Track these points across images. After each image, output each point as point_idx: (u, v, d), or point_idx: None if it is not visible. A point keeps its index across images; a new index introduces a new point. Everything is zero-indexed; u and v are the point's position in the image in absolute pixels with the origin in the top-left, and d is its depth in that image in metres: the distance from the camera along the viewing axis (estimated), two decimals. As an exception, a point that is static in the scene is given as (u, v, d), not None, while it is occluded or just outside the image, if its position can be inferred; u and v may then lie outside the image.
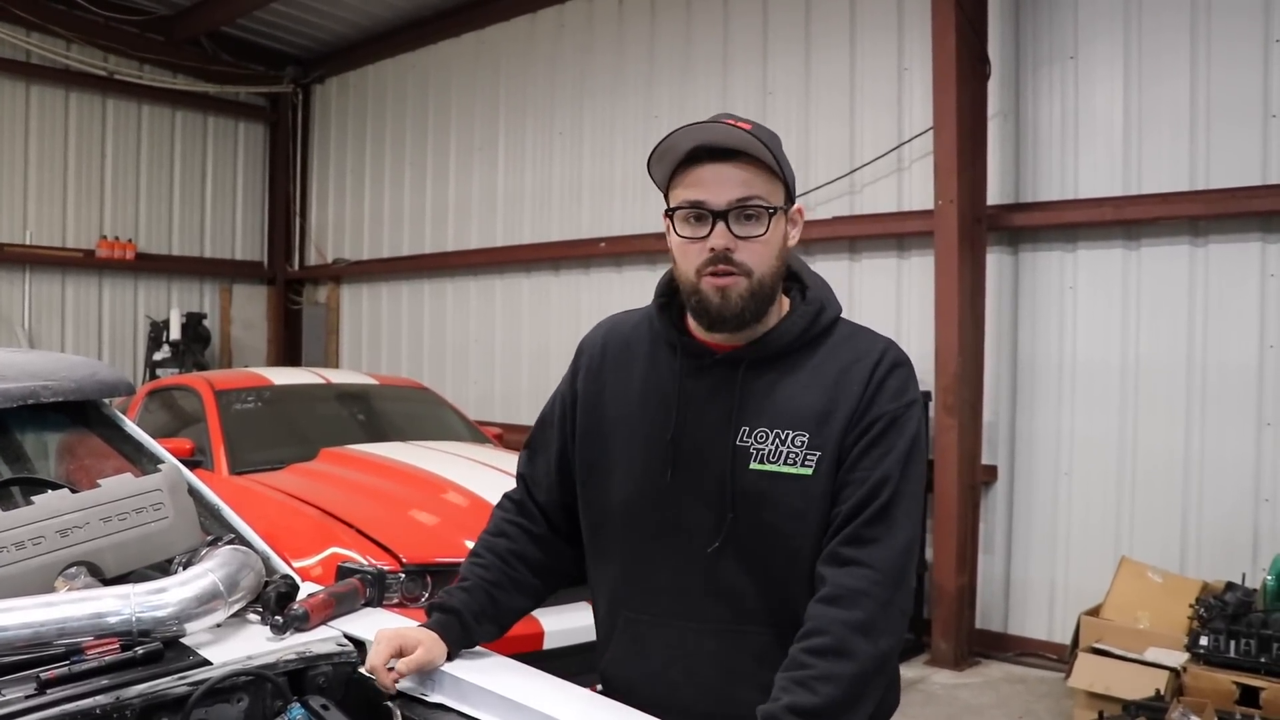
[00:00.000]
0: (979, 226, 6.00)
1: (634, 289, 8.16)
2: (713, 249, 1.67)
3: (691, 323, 1.80)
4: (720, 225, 1.66)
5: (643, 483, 1.79)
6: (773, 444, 1.70)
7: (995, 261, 6.16)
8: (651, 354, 1.85)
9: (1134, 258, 5.73)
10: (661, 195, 1.79)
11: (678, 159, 1.71)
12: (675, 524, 1.76)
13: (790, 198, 1.74)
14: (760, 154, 1.67)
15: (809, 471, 1.67)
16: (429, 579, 4.11)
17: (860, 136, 6.84)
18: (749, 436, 1.71)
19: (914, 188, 6.52)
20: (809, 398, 1.71)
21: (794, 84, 7.20)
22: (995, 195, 6.12)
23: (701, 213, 1.68)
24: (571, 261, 8.72)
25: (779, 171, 1.69)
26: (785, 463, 1.69)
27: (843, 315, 1.83)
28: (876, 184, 6.74)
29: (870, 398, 1.69)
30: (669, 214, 1.74)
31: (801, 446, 1.68)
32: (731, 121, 1.67)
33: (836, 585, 1.59)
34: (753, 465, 1.70)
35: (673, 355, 1.81)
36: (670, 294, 1.84)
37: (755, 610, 1.72)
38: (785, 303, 1.80)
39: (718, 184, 1.67)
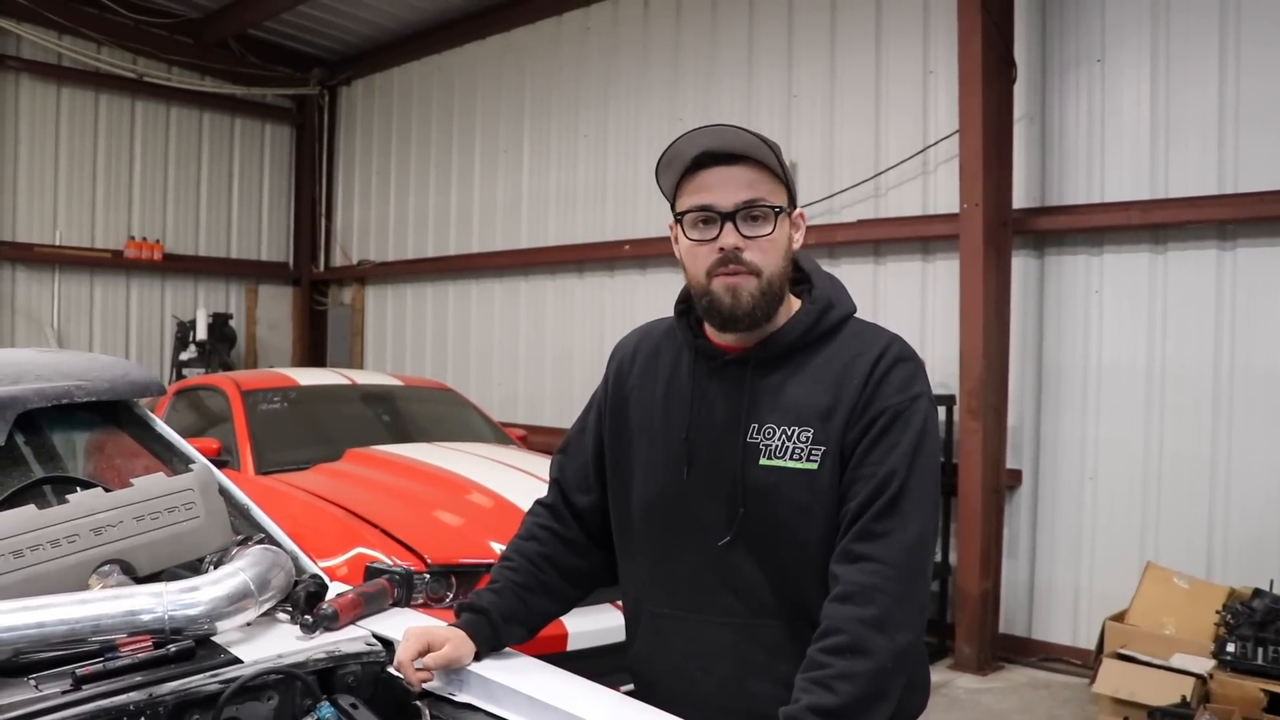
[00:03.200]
0: (1004, 230, 5.98)
1: (659, 291, 8.17)
2: (722, 249, 1.72)
3: (708, 326, 1.85)
4: (729, 226, 1.72)
5: (662, 481, 1.85)
6: (780, 440, 1.74)
7: (1020, 265, 6.14)
8: (674, 359, 1.91)
9: (1160, 262, 5.70)
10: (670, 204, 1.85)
11: (684, 166, 1.76)
12: (692, 520, 1.81)
13: (792, 201, 1.79)
14: (763, 156, 1.73)
15: (814, 466, 1.71)
16: (454, 580, 4.13)
17: (885, 139, 6.82)
18: (758, 433, 1.76)
19: (939, 191, 6.50)
20: (814, 394, 1.75)
21: (819, 87, 7.19)
22: (1021, 199, 6.10)
23: (710, 215, 1.73)
24: (596, 263, 8.74)
25: (781, 175, 1.75)
26: (792, 458, 1.73)
27: (858, 315, 1.87)
28: (901, 187, 6.73)
29: (872, 392, 1.72)
30: (677, 221, 1.80)
31: (807, 442, 1.72)
32: (729, 128, 1.73)
33: (849, 583, 1.61)
34: (762, 461, 1.74)
35: (691, 358, 1.87)
36: (689, 301, 1.89)
37: (767, 603, 1.76)
38: (794, 302, 1.84)
39: (724, 187, 1.72)
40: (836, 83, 7.10)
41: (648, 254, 8.20)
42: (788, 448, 1.73)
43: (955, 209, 6.01)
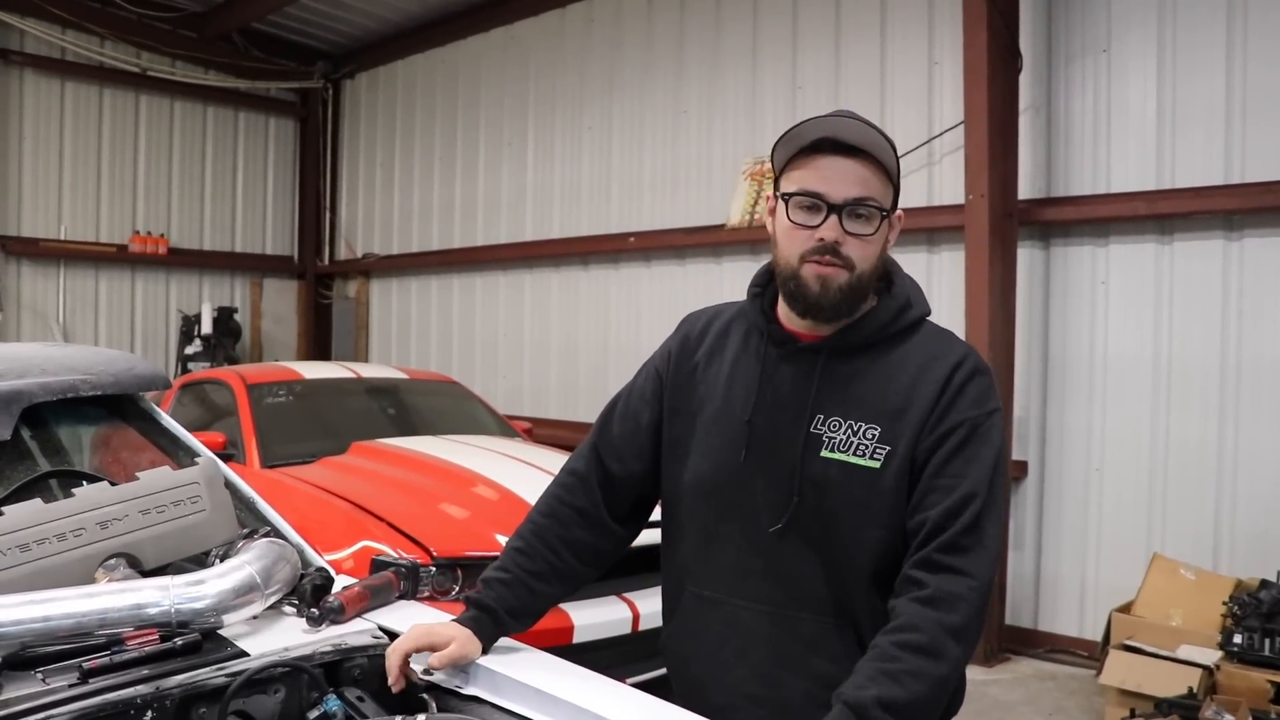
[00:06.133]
0: (1010, 221, 5.97)
1: (663, 284, 8.17)
2: (822, 239, 1.71)
3: (781, 311, 1.85)
4: (834, 218, 1.70)
5: (718, 462, 1.83)
6: (845, 434, 1.72)
7: (1026, 256, 6.13)
8: (744, 340, 1.89)
9: (1167, 252, 5.68)
10: (770, 180, 1.88)
11: (801, 145, 1.74)
12: (744, 505, 1.80)
13: (895, 200, 1.78)
14: (882, 155, 1.72)
15: (877, 465, 1.70)
16: (459, 572, 4.13)
17: (891, 130, 6.66)
18: (822, 424, 1.74)
19: (944, 182, 6.49)
20: (884, 392, 1.73)
21: (824, 78, 7.17)
22: (1026, 189, 6.08)
23: (817, 203, 1.71)
24: (600, 256, 8.73)
25: (893, 177, 1.74)
26: (855, 453, 1.71)
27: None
28: (907, 178, 6.69)
29: (949, 402, 1.71)
30: (782, 197, 1.77)
31: (872, 439, 1.71)
32: (851, 122, 1.71)
33: (935, 588, 1.60)
34: (823, 453, 1.73)
35: (760, 341, 1.85)
36: (764, 284, 1.90)
37: (810, 597, 1.75)
38: (872, 300, 1.82)
39: (838, 178, 1.71)
40: (841, 74, 7.08)
41: (652, 246, 8.19)
42: (852, 443, 1.72)
43: (961, 200, 5.99)
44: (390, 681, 1.79)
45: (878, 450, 1.70)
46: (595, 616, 4.23)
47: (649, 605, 4.50)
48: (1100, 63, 5.94)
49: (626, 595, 4.45)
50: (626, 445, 1.97)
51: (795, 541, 1.75)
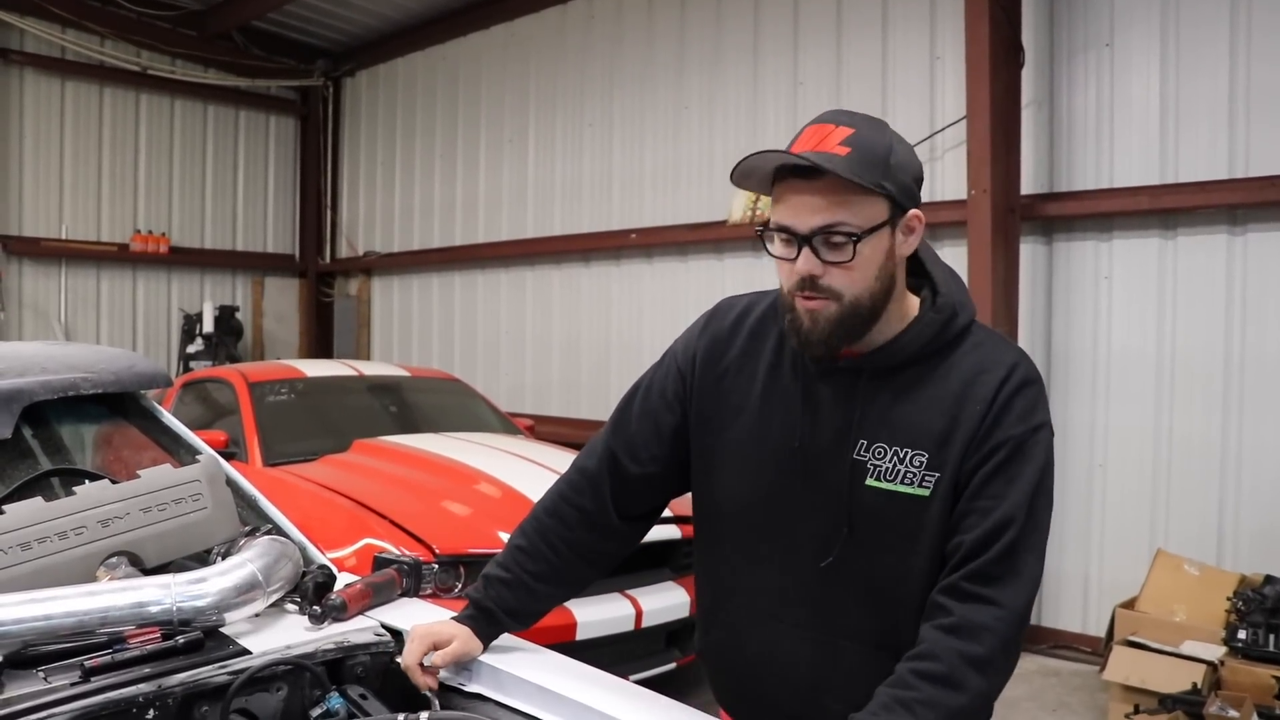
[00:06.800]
0: (1012, 216, 5.95)
1: (665, 281, 8.16)
2: (799, 275, 1.60)
3: None
4: (806, 250, 1.57)
5: (757, 483, 1.75)
6: (891, 461, 1.63)
7: (1029, 252, 6.11)
8: (778, 348, 1.77)
9: (1170, 247, 5.67)
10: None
11: (767, 176, 1.62)
12: (787, 529, 1.72)
13: (898, 205, 1.60)
14: (853, 168, 1.53)
15: (926, 493, 1.60)
16: (462, 570, 4.14)
17: (892, 126, 6.75)
18: (867, 451, 1.65)
19: (946, 177, 6.47)
20: (930, 415, 1.62)
21: (825, 74, 7.16)
22: (1029, 185, 6.06)
23: (789, 236, 1.59)
24: (602, 253, 8.72)
25: (880, 185, 1.56)
26: (903, 482, 1.62)
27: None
28: (908, 174, 6.69)
29: (994, 419, 1.59)
30: (765, 233, 1.65)
31: (920, 466, 1.61)
32: (826, 129, 1.58)
33: (960, 617, 1.52)
34: (869, 481, 1.64)
35: (797, 355, 1.72)
36: None
37: (854, 626, 1.68)
38: (913, 305, 1.70)
39: (803, 206, 1.57)
40: (843, 69, 7.07)
41: (654, 243, 8.18)
42: (899, 470, 1.62)
43: (963, 195, 5.97)
44: (425, 687, 1.77)
45: (926, 478, 1.60)
46: (598, 613, 4.23)
47: (652, 602, 4.51)
48: (1103, 57, 5.92)
49: (629, 592, 4.45)
50: (644, 446, 1.88)
51: (841, 571, 1.67)
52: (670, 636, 4.68)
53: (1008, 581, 1.54)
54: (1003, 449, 1.58)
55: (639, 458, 1.88)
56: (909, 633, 1.58)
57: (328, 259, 11.90)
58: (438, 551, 4.12)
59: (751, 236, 7.32)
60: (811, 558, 1.69)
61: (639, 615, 4.40)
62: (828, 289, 1.59)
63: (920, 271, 1.73)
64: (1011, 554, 1.54)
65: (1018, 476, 1.57)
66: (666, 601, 4.57)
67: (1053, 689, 5.40)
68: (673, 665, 4.61)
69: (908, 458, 1.62)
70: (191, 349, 10.41)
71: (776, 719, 1.75)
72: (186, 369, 9.94)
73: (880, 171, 1.56)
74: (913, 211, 1.63)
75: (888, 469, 1.63)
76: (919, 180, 1.66)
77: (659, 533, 4.48)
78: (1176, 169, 5.61)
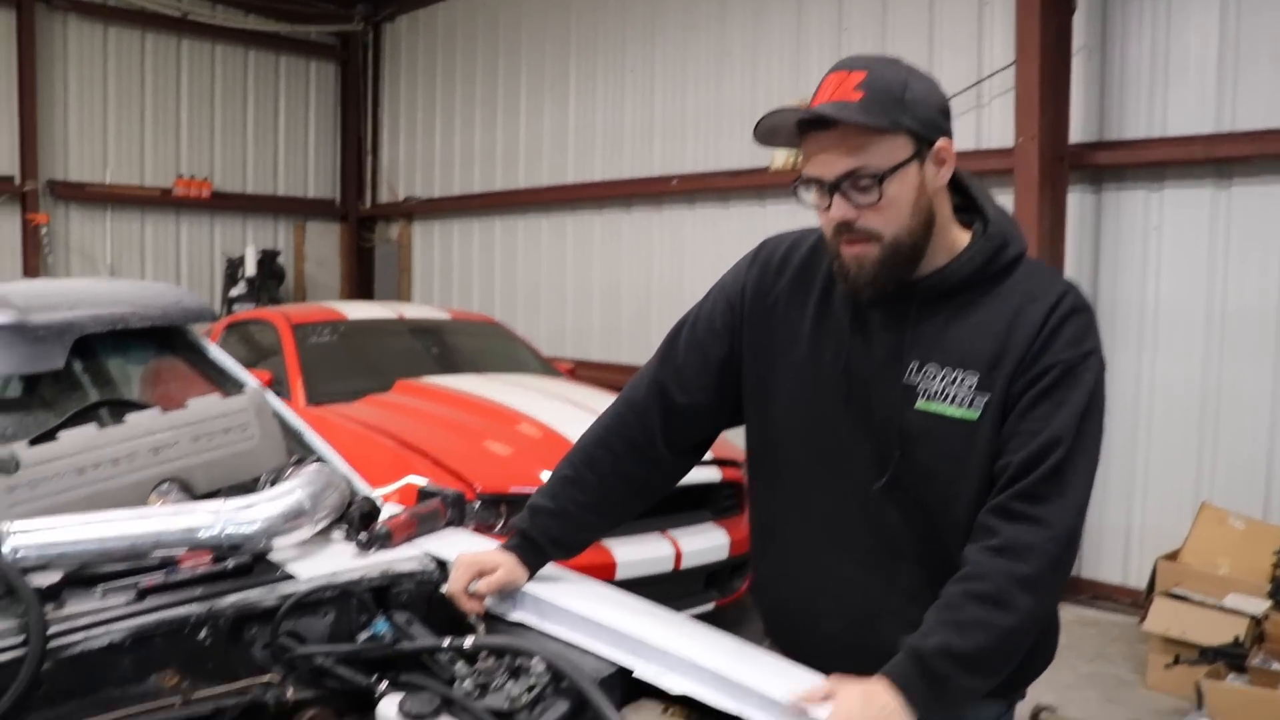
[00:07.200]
0: (1060, 165, 5.84)
1: (707, 227, 8.12)
2: (836, 222, 1.63)
3: None
4: (836, 197, 1.61)
5: (808, 411, 1.76)
6: (941, 383, 1.64)
7: (1076, 201, 6.00)
8: (827, 279, 1.78)
9: (1224, 198, 5.55)
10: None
11: (793, 131, 1.64)
12: (838, 455, 1.74)
13: (922, 139, 1.60)
14: (866, 113, 1.55)
15: (975, 415, 1.62)
16: (503, 508, 4.17)
17: (939, 72, 6.50)
18: (917, 374, 1.66)
19: (993, 125, 6.36)
20: (981, 338, 1.64)
21: (870, 20, 7.03)
22: (1078, 133, 5.94)
23: (819, 187, 1.63)
24: (643, 199, 8.68)
25: (901, 122, 1.57)
26: (953, 403, 1.63)
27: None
28: (955, 120, 6.56)
29: (1043, 343, 1.60)
30: (801, 186, 1.68)
31: (970, 389, 1.62)
32: (840, 76, 1.59)
33: (1006, 538, 1.53)
34: (919, 404, 1.65)
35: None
36: None
37: (908, 548, 1.70)
38: (962, 237, 1.71)
39: (826, 156, 1.60)
40: (889, 15, 6.94)
41: (695, 189, 8.13)
42: (948, 392, 1.63)
43: (1010, 143, 5.87)
44: (471, 612, 1.79)
45: (976, 399, 1.62)
46: (637, 553, 4.26)
47: (691, 543, 4.53)
48: (1159, 2, 5.77)
49: (669, 533, 4.47)
50: (693, 377, 1.88)
51: (893, 495, 1.68)
52: (709, 578, 4.71)
53: (1055, 502, 1.54)
54: (1051, 372, 1.59)
55: (687, 388, 1.88)
56: (960, 555, 1.59)
57: (369, 204, 11.94)
58: (479, 490, 4.16)
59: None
60: (864, 482, 1.70)
61: (678, 556, 4.43)
62: (865, 231, 1.61)
63: (972, 207, 1.73)
64: (1059, 474, 1.55)
65: (1066, 400, 1.58)
66: (706, 543, 4.59)
67: (1091, 639, 5.39)
68: (711, 606, 4.64)
69: (958, 379, 1.63)
70: (234, 292, 10.51)
71: (830, 649, 1.73)
72: (229, 312, 10.04)
73: (896, 109, 1.57)
74: (941, 142, 1.64)
75: (938, 391, 1.64)
76: (944, 111, 1.67)
77: (700, 475, 4.49)
78: (1234, 117, 5.47)
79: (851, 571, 1.74)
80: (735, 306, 1.87)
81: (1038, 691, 3.00)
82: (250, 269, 10.59)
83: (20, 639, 1.51)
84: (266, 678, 1.69)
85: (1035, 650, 1.77)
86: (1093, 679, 4.87)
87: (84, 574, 1.73)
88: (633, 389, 1.94)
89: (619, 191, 8.82)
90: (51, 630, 1.54)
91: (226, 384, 2.57)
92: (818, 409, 1.75)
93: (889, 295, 1.68)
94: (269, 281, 10.67)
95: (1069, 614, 5.76)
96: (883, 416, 1.68)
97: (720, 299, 1.90)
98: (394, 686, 1.60)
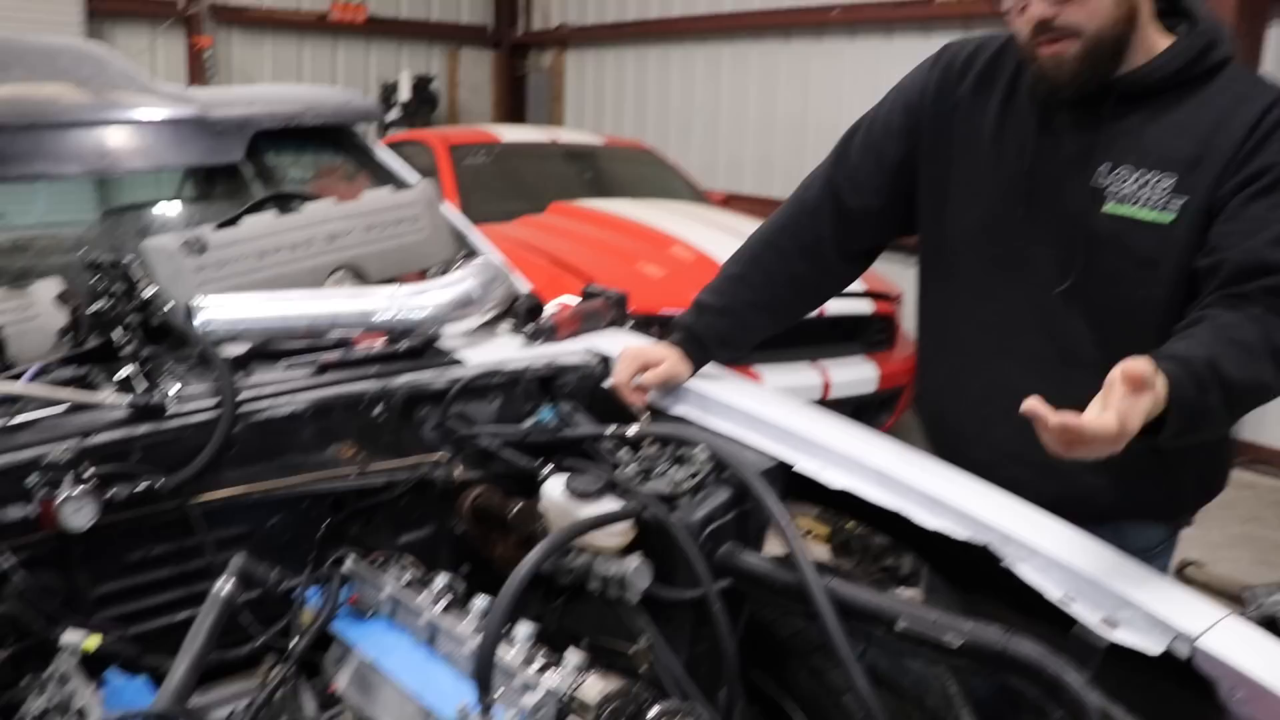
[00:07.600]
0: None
1: (867, 60, 7.77)
2: (1033, 20, 1.53)
3: None
4: None
5: (988, 212, 1.70)
6: (1134, 185, 1.55)
7: (1276, 36, 5.51)
8: (1014, 77, 1.70)
9: None
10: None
11: None
12: (1018, 259, 1.67)
13: None
14: None
15: (1170, 218, 1.52)
16: (655, 329, 4.19)
17: None
18: (1108, 175, 1.58)
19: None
20: (1182, 139, 1.53)
21: None
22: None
23: None
24: (802, 29, 8.34)
25: None
26: (1145, 206, 1.54)
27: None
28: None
29: (1257, 144, 1.48)
30: None
31: (1167, 191, 1.53)
32: None
33: (1248, 314, 1.40)
34: (1107, 207, 1.57)
35: (1035, 87, 1.65)
36: None
37: (1085, 356, 1.61)
38: (1160, 38, 1.59)
39: None
40: None
41: (857, 19, 7.77)
42: (1141, 195, 1.54)
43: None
44: (635, 405, 1.80)
45: (1173, 201, 1.52)
46: (786, 380, 4.26)
47: (841, 375, 4.51)
48: None
49: (819, 362, 4.45)
50: (867, 179, 1.82)
51: (1075, 301, 1.61)
52: (857, 411, 4.70)
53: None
54: (1268, 174, 1.48)
55: (861, 190, 1.83)
56: None
57: (521, 31, 11.82)
58: (632, 311, 4.19)
59: (960, 15, 6.89)
60: (1043, 287, 1.64)
61: (826, 386, 4.41)
62: (1065, 26, 1.51)
63: (1176, 11, 1.62)
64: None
65: None
66: (855, 375, 4.57)
67: (1246, 501, 5.20)
68: (857, 439, 4.63)
69: (1153, 181, 1.54)
70: (389, 117, 10.64)
71: (993, 457, 1.67)
72: (384, 136, 10.20)
73: None
74: None
75: (1129, 193, 1.56)
76: None
77: (851, 306, 4.44)
78: None
79: (1023, 378, 1.65)
80: (914, 108, 1.80)
81: (1186, 548, 2.89)
82: (404, 94, 10.68)
83: (214, 402, 1.60)
84: (436, 456, 1.77)
85: (1204, 475, 1.71)
86: (1245, 540, 4.72)
87: (267, 349, 1.81)
88: (804, 190, 1.90)
89: (777, 20, 8.49)
90: (240, 396, 1.63)
91: (394, 183, 2.61)
92: (997, 210, 1.69)
93: (1083, 96, 1.59)
94: (423, 108, 10.76)
95: (1227, 470, 5.58)
96: (1068, 219, 1.61)
97: (898, 101, 1.83)
98: (558, 470, 1.64)
